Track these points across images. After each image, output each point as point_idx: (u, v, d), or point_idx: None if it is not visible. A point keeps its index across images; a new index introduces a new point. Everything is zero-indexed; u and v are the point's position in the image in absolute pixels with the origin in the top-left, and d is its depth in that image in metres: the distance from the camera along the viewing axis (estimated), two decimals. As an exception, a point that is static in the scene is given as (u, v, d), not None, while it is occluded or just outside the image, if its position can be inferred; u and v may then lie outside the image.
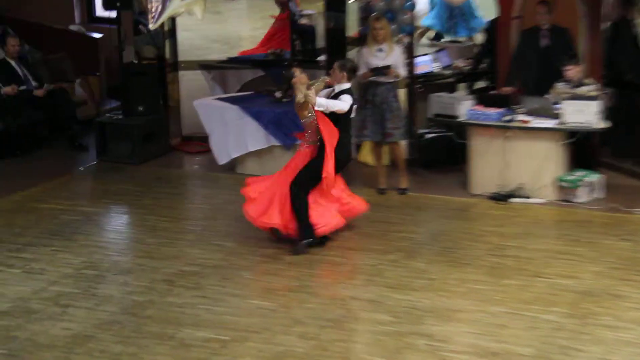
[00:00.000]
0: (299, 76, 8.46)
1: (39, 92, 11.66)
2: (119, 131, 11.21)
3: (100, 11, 14.11)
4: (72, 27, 14.10)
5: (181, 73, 12.18)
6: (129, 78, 11.58)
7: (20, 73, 11.77)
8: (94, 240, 8.74)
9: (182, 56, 12.16)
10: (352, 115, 8.50)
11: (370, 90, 9.80)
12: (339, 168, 8.39)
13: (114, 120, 11.40)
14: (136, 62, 11.87)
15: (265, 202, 8.38)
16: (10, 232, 8.82)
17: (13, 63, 11.76)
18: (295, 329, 6.86)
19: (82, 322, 7.01)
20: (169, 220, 9.28)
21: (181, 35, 12.08)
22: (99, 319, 7.07)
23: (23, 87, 11.62)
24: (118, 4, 11.30)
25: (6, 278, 7.77)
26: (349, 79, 8.50)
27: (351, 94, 8.43)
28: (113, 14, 12.00)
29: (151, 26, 10.60)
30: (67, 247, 8.51)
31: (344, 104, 8.32)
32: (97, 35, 13.70)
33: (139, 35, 12.10)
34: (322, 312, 7.13)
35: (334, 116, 8.28)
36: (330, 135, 8.23)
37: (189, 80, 12.25)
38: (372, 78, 9.72)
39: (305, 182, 8.29)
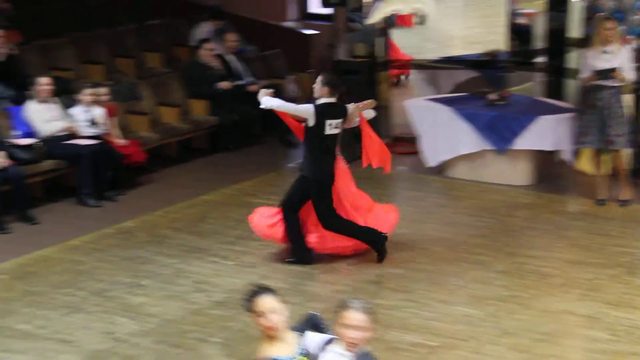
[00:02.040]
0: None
1: (253, 88, 12.12)
2: (329, 129, 11.45)
3: (314, 8, 14.50)
4: (287, 24, 14.56)
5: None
6: (340, 76, 11.82)
7: (237, 68, 12.28)
8: (303, 236, 9.01)
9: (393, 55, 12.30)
10: (328, 132, 8.04)
11: (593, 94, 9.57)
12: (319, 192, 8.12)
13: (325, 117, 11.65)
14: (348, 59, 12.10)
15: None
16: (224, 224, 9.25)
17: (230, 58, 12.30)
18: (505, 339, 6.84)
19: (291, 317, 7.27)
20: (376, 220, 9.45)
21: (393, 33, 12.21)
22: (305, 315, 7.30)
23: (239, 83, 12.13)
24: (334, 1, 11.58)
25: (221, 269, 8.18)
26: (329, 95, 8.05)
27: (322, 109, 7.99)
28: (327, 10, 12.32)
29: (366, 21, 10.79)
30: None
31: (289, 104, 8.20)
32: (310, 32, 14.08)
33: (352, 33, 12.32)
34: (533, 324, 7.06)
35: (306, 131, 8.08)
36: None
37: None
38: (596, 81, 9.49)
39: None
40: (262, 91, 8.32)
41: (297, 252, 8.26)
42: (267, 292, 4.87)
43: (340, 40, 12.18)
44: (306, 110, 8.09)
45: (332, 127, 8.10)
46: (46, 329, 6.97)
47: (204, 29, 13.27)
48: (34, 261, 8.29)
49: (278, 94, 12.34)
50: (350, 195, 8.38)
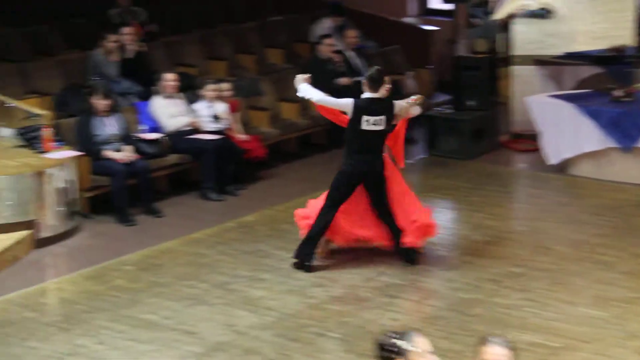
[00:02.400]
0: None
1: (372, 84, 12.14)
2: (448, 126, 11.41)
3: (434, 3, 14.42)
4: (407, 20, 14.53)
5: (513, 68, 12.15)
6: (461, 72, 11.75)
7: (356, 64, 12.33)
8: (421, 233, 9.00)
9: (516, 50, 12.10)
10: (365, 128, 7.79)
11: None
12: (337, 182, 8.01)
13: (444, 114, 11.62)
14: (468, 55, 12.00)
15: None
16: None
17: (351, 54, 12.35)
18: (632, 343, 6.67)
19: (409, 314, 7.29)
20: (496, 218, 9.35)
21: (515, 28, 12.03)
22: (425, 312, 7.31)
23: (358, 79, 12.16)
24: (457, -4, 11.51)
25: (338, 264, 8.23)
26: (370, 89, 7.82)
27: (361, 104, 7.78)
28: (448, 6, 12.24)
29: (494, 16, 10.68)
30: (396, 238, 8.83)
31: (328, 98, 7.97)
32: (430, 28, 14.01)
33: (473, 28, 12.21)
34: (660, 328, 6.88)
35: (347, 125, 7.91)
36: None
37: (520, 76, 12.18)
38: None
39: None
40: (298, 76, 8.08)
41: (302, 252, 8.09)
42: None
43: (461, 36, 12.10)
44: (345, 104, 7.91)
45: (369, 123, 7.82)
46: (171, 320, 7.16)
47: (324, 25, 13.36)
48: (158, 253, 8.52)
49: (397, 89, 12.44)
50: (394, 195, 8.12)
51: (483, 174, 10.71)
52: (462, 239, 8.89)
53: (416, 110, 8.22)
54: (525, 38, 12.21)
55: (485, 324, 7.06)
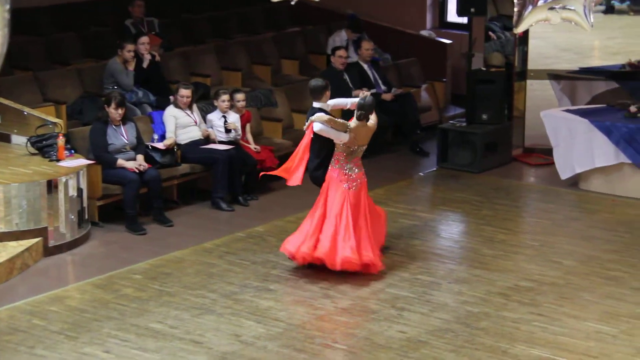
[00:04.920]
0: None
1: (387, 96, 12.15)
2: (461, 139, 11.39)
3: (452, 17, 14.39)
4: (423, 33, 14.51)
5: (528, 82, 12.11)
6: (475, 85, 11.72)
7: (371, 77, 12.33)
8: (430, 246, 8.98)
9: (531, 65, 12.08)
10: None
11: None
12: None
13: (457, 127, 11.59)
14: (484, 69, 11.97)
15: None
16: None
17: (365, 66, 12.35)
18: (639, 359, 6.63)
19: (417, 326, 7.26)
20: (506, 232, 9.32)
21: (530, 43, 12.00)
22: (432, 325, 7.28)
23: (373, 91, 12.15)
24: (472, 10, 11.46)
25: (347, 276, 8.13)
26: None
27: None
28: (465, 19, 12.21)
29: (514, 30, 10.65)
30: (405, 251, 8.82)
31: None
32: (446, 41, 13.99)
33: (489, 42, 12.17)
34: (668, 345, 6.83)
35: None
36: None
37: (534, 90, 12.15)
38: None
39: None
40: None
41: None
42: None
43: (477, 49, 12.05)
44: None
45: None
46: (178, 329, 7.17)
47: (340, 37, 13.37)
48: (168, 262, 8.53)
49: (413, 102, 12.42)
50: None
51: (494, 187, 10.67)
52: (472, 252, 8.86)
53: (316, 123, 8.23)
54: (541, 52, 12.19)
55: (492, 337, 7.04)
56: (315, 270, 8.26)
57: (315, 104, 8.45)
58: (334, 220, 8.09)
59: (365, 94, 8.44)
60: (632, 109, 10.40)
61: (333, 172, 8.24)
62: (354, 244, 8.03)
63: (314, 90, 8.46)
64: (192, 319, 7.34)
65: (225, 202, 9.96)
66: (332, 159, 8.25)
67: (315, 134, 8.24)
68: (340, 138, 8.15)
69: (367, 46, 12.46)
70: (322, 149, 8.30)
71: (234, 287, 7.94)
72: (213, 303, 7.64)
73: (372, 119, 8.27)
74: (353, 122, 8.15)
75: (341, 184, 8.19)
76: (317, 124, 8.16)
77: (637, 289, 7.77)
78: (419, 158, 11.99)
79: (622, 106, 10.64)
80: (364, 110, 8.12)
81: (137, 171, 9.28)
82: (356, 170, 8.25)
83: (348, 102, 8.72)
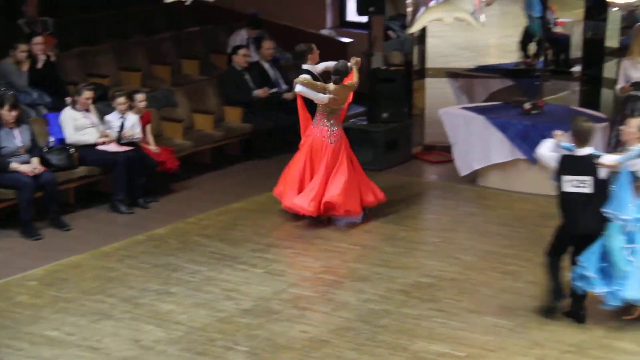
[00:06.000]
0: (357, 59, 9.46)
1: (288, 96, 12.11)
2: (362, 137, 11.42)
3: (352, 16, 14.45)
4: (324, 32, 14.53)
5: (427, 80, 12.24)
6: (376, 84, 11.78)
7: (273, 76, 12.28)
8: (334, 245, 8.99)
9: (429, 63, 12.21)
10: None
11: (629, 105, 9.43)
12: None
13: (358, 126, 11.63)
14: (384, 68, 12.05)
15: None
16: (255, 232, 9.24)
17: (266, 66, 12.30)
18: (534, 351, 6.75)
19: (319, 326, 7.26)
20: (407, 229, 9.40)
21: (429, 41, 12.12)
22: (334, 324, 7.28)
23: (274, 90, 12.12)
24: (371, 9, 11.52)
25: (249, 277, 8.16)
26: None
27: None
28: (364, 19, 12.26)
29: (408, 30, 10.78)
30: (307, 250, 8.82)
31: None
32: (346, 40, 14.04)
33: (388, 41, 12.26)
34: (563, 335, 6.97)
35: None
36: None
37: (434, 88, 12.29)
38: (632, 92, 9.34)
39: None
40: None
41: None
42: None
43: (377, 48, 12.13)
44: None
45: None
46: (75, 336, 7.00)
47: (241, 36, 13.28)
48: (65, 267, 8.33)
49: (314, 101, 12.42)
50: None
51: (396, 185, 10.74)
52: (374, 250, 8.89)
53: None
54: (439, 51, 12.34)
55: (393, 334, 7.08)
56: (217, 271, 8.18)
57: (304, 66, 9.53)
58: (325, 172, 9.20)
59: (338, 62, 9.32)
60: (527, 106, 10.59)
61: (316, 129, 9.26)
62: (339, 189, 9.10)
63: (299, 55, 9.69)
64: (89, 325, 7.18)
65: (125, 205, 9.79)
66: (315, 117, 9.28)
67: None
68: (318, 99, 9.14)
69: (268, 45, 12.41)
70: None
71: (133, 291, 7.80)
72: (112, 308, 7.49)
73: (355, 79, 9.33)
74: (332, 85, 9.11)
75: (324, 139, 9.21)
76: (298, 86, 9.26)
77: (533, 283, 7.90)
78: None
79: (517, 103, 10.83)
80: (339, 75, 9.14)
81: (31, 174, 9.03)
82: (337, 126, 9.31)
83: (329, 65, 9.68)
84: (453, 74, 12.34)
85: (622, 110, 9.53)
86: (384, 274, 8.23)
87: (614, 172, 7.04)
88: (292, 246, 8.89)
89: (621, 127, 7.40)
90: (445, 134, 10.97)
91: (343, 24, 14.93)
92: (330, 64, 9.54)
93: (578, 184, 7.06)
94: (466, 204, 10.14)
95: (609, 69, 10.96)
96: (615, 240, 6.96)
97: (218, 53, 13.36)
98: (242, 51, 12.05)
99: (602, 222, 7.01)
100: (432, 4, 10.85)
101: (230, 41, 13.34)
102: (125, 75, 12.14)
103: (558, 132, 7.35)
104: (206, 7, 13.79)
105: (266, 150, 11.90)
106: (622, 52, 10.26)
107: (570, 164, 7.14)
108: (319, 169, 9.23)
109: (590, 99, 11.26)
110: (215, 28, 13.78)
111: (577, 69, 11.78)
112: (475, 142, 10.56)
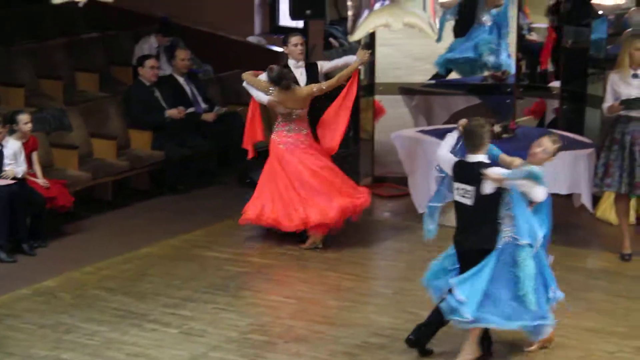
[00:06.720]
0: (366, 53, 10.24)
1: (208, 117, 12.16)
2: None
3: (285, 20, 14.55)
4: (251, 39, 14.64)
5: (377, 98, 12.35)
6: (314, 102, 11.85)
7: (189, 93, 12.29)
8: (264, 298, 9.03)
9: (379, 77, 12.31)
10: None
11: (618, 127, 9.63)
12: None
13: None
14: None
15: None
16: (167, 283, 9.23)
17: (181, 80, 12.31)
18: None
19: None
20: (354, 278, 9.47)
21: (378, 51, 12.23)
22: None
23: (191, 110, 12.13)
24: (308, 12, 11.58)
25: (161, 339, 8.13)
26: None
27: None
28: (300, 24, 12.36)
29: (350, 37, 10.94)
30: (232, 305, 8.82)
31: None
32: (278, 49, 14.14)
33: (330, 50, 12.36)
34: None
35: None
36: None
37: (385, 107, 12.41)
38: (622, 112, 9.55)
39: None
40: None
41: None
42: None
43: (316, 58, 12.21)
44: None
45: None
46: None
47: (149, 44, 13.31)
48: None
49: (240, 123, 12.48)
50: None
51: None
52: (313, 304, 8.93)
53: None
54: (391, 62, 12.45)
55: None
56: (121, 332, 8.14)
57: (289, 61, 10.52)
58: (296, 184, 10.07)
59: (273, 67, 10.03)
60: (496, 128, 10.72)
61: (275, 135, 10.12)
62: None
63: (275, 81, 10.04)
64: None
65: (5, 252, 9.72)
66: (276, 124, 10.13)
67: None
68: (259, 98, 10.09)
69: (182, 55, 12.45)
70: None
71: (15, 359, 7.71)
72: (-13, 380, 7.41)
73: (304, 85, 10.20)
74: (274, 89, 9.94)
75: (279, 146, 10.07)
76: (244, 81, 10.20)
77: (497, 342, 8.03)
78: (248, 190, 12.00)
79: (485, 126, 10.95)
80: (277, 83, 9.92)
81: None
82: (304, 130, 10.14)
83: (339, 62, 10.58)
84: (408, 90, 12.47)
85: (610, 134, 9.71)
86: (325, 333, 8.27)
87: (503, 190, 7.37)
88: (213, 300, 8.88)
89: (532, 144, 7.76)
90: (399, 162, 11.08)
91: (274, 30, 15.04)
92: (339, 61, 10.55)
93: (463, 194, 7.52)
94: (424, 248, 10.17)
95: (593, 84, 11.20)
96: (526, 267, 7.37)
97: (121, 65, 13.39)
98: (149, 62, 12.07)
99: (481, 242, 7.41)
100: (376, 6, 11.01)
101: (136, 50, 13.38)
102: (5, 92, 12.09)
103: (462, 122, 7.57)
104: (105, 9, 13.77)
105: (182, 182, 11.90)
106: (610, 64, 10.47)
107: (459, 170, 7.60)
108: (291, 179, 10.08)
109: (572, 120, 11.48)
110: (118, 34, 13.80)
111: (555, 84, 12.01)
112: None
